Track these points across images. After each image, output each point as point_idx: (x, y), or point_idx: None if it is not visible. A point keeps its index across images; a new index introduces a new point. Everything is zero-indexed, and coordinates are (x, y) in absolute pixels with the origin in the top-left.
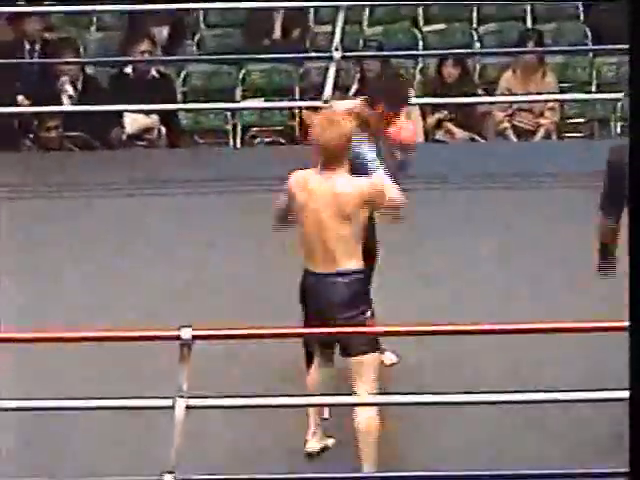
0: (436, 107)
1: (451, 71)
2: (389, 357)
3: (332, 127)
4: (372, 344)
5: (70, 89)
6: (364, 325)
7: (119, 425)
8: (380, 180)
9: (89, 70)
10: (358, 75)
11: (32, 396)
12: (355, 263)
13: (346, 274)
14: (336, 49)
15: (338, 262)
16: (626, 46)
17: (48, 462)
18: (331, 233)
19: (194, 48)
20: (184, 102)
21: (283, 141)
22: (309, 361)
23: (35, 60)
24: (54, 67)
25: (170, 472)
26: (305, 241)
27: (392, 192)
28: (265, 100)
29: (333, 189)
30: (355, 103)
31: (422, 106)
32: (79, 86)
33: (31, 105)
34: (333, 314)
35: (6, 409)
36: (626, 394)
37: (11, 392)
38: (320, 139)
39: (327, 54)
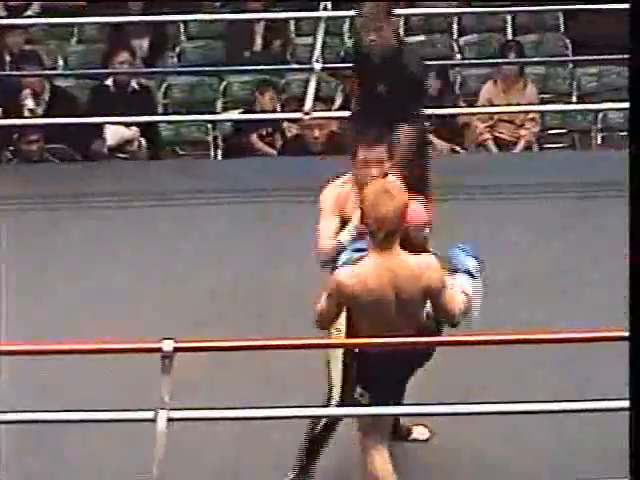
0: None
1: (432, 83)
2: (421, 431)
3: (388, 199)
4: None
5: (31, 103)
6: None
7: (102, 435)
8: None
9: (68, 82)
10: (341, 87)
11: (17, 406)
12: None
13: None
14: (317, 61)
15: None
16: (606, 57)
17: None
18: (402, 323)
19: (175, 60)
20: (165, 114)
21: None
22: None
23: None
24: (19, 80)
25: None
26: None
27: (455, 295)
28: (245, 112)
29: (398, 273)
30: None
31: None
32: (46, 98)
33: (5, 117)
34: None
35: None
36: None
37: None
38: (375, 213)
39: (308, 66)
